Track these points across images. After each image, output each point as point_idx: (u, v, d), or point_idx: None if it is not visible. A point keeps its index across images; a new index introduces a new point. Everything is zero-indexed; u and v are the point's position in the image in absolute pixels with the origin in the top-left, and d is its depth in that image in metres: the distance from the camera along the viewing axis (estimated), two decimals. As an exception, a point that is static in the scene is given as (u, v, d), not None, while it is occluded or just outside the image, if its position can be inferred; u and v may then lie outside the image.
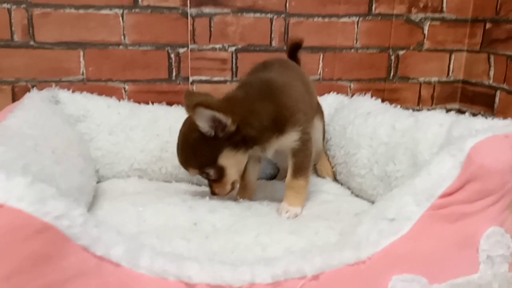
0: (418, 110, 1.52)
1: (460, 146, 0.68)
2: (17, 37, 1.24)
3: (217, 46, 1.37)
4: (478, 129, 0.74)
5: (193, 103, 0.82)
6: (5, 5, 1.21)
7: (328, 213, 0.96)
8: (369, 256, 0.58)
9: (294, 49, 1.19)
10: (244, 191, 1.03)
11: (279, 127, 0.92)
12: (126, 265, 0.55)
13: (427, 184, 0.66)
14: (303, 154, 0.95)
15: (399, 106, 1.17)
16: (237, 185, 0.97)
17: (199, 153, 0.89)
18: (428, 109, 1.55)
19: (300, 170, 0.95)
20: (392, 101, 1.46)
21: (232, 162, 0.90)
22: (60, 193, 0.56)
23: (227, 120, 0.84)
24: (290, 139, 0.93)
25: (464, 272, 0.59)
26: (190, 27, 1.34)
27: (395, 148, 1.01)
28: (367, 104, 1.22)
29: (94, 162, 1.11)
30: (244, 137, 0.88)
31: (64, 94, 1.17)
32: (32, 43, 1.25)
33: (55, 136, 0.93)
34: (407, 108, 1.17)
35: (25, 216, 0.50)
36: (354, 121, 1.15)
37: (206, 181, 1.18)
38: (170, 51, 1.34)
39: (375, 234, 0.62)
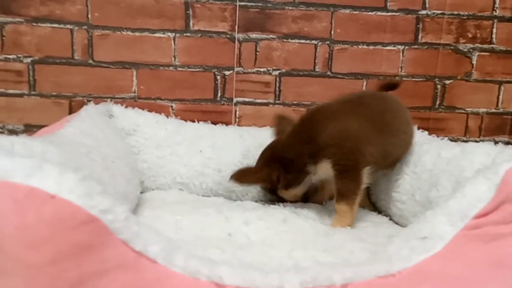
0: (465, 141, 1.50)
1: (495, 169, 0.68)
2: (77, 56, 1.34)
3: (262, 69, 1.41)
4: (514, 155, 0.73)
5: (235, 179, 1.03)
6: (68, 26, 1.32)
7: (366, 236, 0.95)
8: (400, 271, 0.57)
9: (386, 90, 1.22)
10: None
11: (312, 159, 1.00)
12: (162, 262, 0.57)
13: (461, 205, 0.65)
14: (342, 182, 0.98)
15: (446, 138, 1.16)
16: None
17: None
18: (476, 141, 1.52)
19: (340, 195, 0.98)
20: (437, 130, 1.45)
21: (286, 194, 1.09)
22: (106, 192, 0.60)
23: (265, 181, 1.05)
24: (324, 168, 1.00)
25: (500, 292, 0.57)
26: (236, 51, 1.39)
27: (440, 175, 1.00)
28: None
29: (140, 173, 1.16)
30: (289, 180, 1.04)
31: (117, 109, 1.25)
32: (90, 61, 1.35)
33: (106, 146, 0.99)
34: (453, 139, 1.16)
35: (74, 207, 0.54)
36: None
37: (243, 197, 1.23)
38: (216, 73, 1.40)
39: (406, 250, 0.61)
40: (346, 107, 1.05)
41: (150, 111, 1.33)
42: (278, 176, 1.02)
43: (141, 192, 1.13)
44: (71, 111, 1.35)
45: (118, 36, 1.35)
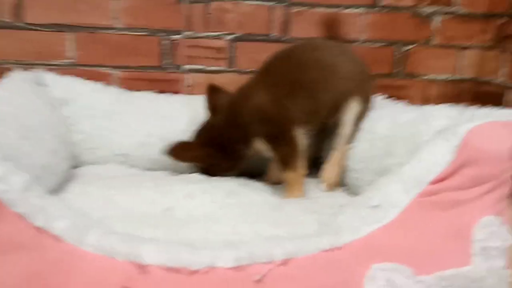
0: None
1: (455, 130, 0.62)
2: (5, 18, 1.20)
3: (213, 34, 1.31)
4: (476, 114, 0.67)
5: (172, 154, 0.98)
6: (-7, -16, 1.18)
7: (318, 207, 0.89)
8: (347, 243, 0.51)
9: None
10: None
11: (244, 143, 0.98)
12: (69, 240, 0.49)
13: (417, 170, 0.60)
14: (277, 150, 0.97)
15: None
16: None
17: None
18: (436, 107, 1.48)
19: (281, 163, 0.97)
20: (397, 98, 1.38)
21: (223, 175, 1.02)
22: (5, 159, 0.50)
23: (203, 161, 1.01)
24: (257, 145, 0.98)
25: (455, 264, 0.51)
26: (185, 13, 1.28)
27: (396, 141, 0.94)
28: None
29: (74, 146, 1.06)
30: (225, 167, 1.01)
31: (49, 77, 1.12)
32: (21, 24, 1.21)
33: (29, 115, 0.89)
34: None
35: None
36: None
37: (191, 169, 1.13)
38: (163, 37, 1.29)
39: (356, 221, 0.55)
40: (255, 80, 1.03)
41: (91, 79, 1.21)
42: (216, 159, 1.00)
43: (76, 167, 1.03)
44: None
45: (51, -5, 1.21)
